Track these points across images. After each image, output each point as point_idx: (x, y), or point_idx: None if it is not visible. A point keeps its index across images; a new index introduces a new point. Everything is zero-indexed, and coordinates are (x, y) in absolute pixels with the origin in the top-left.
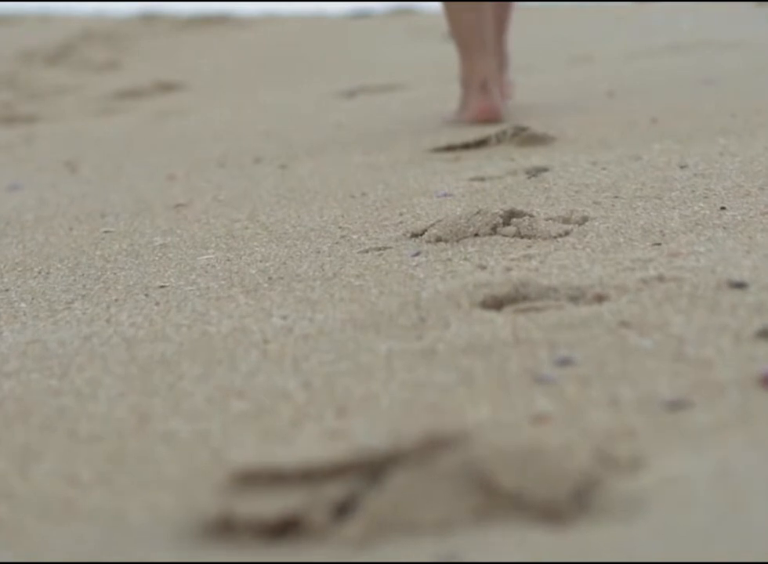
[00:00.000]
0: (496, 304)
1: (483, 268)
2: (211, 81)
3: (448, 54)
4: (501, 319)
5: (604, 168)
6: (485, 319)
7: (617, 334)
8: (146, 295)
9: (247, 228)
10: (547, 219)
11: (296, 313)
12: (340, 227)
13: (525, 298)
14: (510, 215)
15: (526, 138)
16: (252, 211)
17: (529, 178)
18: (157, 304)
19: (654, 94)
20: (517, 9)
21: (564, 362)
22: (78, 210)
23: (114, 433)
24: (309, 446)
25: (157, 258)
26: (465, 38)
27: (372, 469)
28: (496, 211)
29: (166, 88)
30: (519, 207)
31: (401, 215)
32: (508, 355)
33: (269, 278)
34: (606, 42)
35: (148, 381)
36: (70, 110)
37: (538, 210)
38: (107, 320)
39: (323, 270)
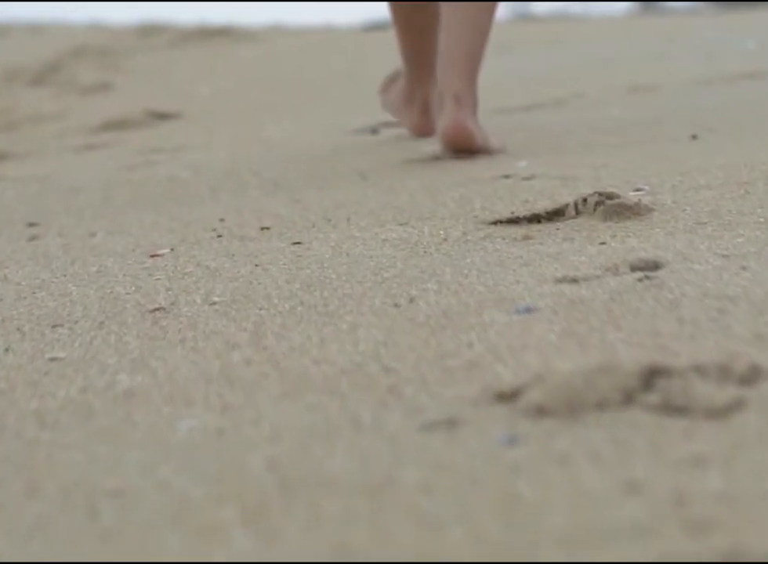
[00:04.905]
0: None
1: (634, 491)
2: (210, 107)
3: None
4: None
5: (744, 268)
6: None
7: None
8: (91, 512)
9: (249, 363)
10: (696, 370)
11: None
12: (384, 368)
13: None
14: (650, 373)
15: (613, 208)
16: (257, 328)
17: (640, 280)
18: (104, 537)
19: (748, 138)
20: (544, 24)
21: None
22: (26, 313)
23: None
24: None
25: (116, 422)
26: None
27: None
28: (630, 366)
29: (158, 116)
30: (656, 357)
31: (470, 346)
32: None
33: (283, 482)
34: (665, 65)
35: None
36: (46, 145)
37: (677, 347)
38: None
39: (366, 469)
